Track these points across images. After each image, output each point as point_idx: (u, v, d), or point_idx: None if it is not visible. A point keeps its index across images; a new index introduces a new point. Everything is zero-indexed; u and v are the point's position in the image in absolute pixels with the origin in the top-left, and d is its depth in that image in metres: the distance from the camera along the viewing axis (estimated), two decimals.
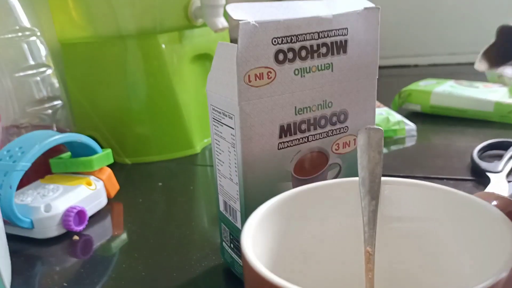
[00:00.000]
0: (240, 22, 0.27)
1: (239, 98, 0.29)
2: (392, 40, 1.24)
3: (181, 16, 0.65)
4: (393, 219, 0.25)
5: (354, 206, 0.25)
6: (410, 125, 0.66)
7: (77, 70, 0.68)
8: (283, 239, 0.24)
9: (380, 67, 1.29)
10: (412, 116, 0.74)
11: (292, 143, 0.32)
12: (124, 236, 0.46)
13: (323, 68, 0.31)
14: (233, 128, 0.30)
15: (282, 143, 0.32)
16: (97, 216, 0.50)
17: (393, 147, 0.64)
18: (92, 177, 0.50)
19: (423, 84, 0.76)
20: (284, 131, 0.31)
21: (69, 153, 0.54)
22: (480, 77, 0.83)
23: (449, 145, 0.62)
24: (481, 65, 0.20)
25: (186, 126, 0.66)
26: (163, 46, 0.64)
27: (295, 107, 0.31)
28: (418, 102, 0.74)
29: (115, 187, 0.53)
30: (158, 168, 0.64)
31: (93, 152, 0.52)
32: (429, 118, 0.73)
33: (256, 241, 0.21)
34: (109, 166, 0.54)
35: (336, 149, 0.34)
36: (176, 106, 0.65)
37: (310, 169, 0.34)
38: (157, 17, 0.64)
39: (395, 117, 0.67)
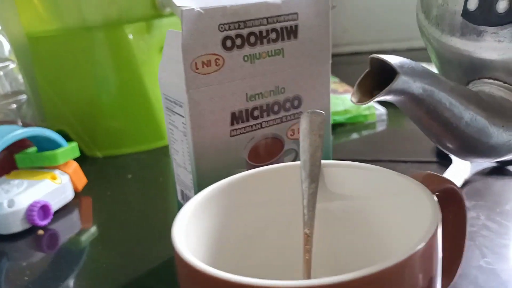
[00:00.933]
0: (182, 9, 0.27)
1: (187, 86, 0.29)
2: (369, 26, 1.24)
3: (148, 5, 0.65)
4: (332, 200, 0.25)
5: (296, 190, 0.25)
6: (381, 110, 0.67)
7: (46, 64, 0.67)
8: (224, 226, 0.24)
9: (357, 53, 1.29)
10: (384, 101, 0.74)
11: (245, 130, 0.32)
12: (90, 229, 0.46)
13: (273, 54, 0.31)
14: (183, 117, 0.30)
15: (235, 130, 0.32)
16: (64, 210, 0.49)
17: (364, 132, 0.64)
18: (57, 171, 0.50)
19: None
20: (236, 118, 0.31)
21: (35, 148, 0.53)
22: None
23: (417, 129, 0.62)
24: (353, 97, 0.20)
25: (157, 117, 0.66)
26: (131, 36, 0.64)
27: (246, 94, 0.31)
28: None
29: (82, 180, 0.53)
30: (130, 160, 0.63)
31: (58, 146, 0.51)
32: None
33: (192, 231, 0.21)
34: (80, 160, 0.54)
35: (291, 135, 0.34)
36: (146, 97, 0.65)
37: (265, 155, 0.34)
38: (123, 7, 0.63)
39: None
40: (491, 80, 0.25)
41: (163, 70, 0.32)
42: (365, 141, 0.62)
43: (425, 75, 0.21)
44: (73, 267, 0.39)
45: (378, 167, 0.24)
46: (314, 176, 0.24)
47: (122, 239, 0.42)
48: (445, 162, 0.48)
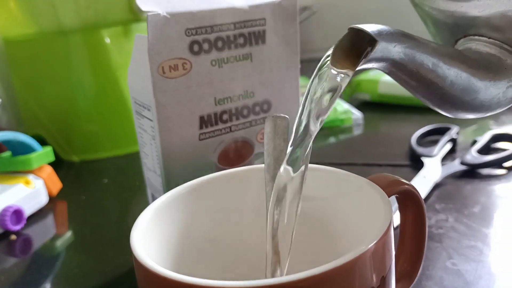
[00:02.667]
0: (148, 13, 0.27)
1: (154, 89, 0.29)
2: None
3: (125, 9, 0.65)
4: None
5: (259, 193, 0.25)
6: (357, 114, 0.67)
7: (22, 68, 0.66)
8: (186, 230, 0.24)
9: None
10: (362, 105, 0.75)
11: (214, 134, 0.32)
12: (64, 234, 0.45)
13: (241, 58, 0.32)
14: (152, 120, 0.30)
15: (204, 134, 0.32)
16: (38, 215, 0.49)
17: (341, 136, 0.65)
18: (31, 176, 0.50)
19: (372, 74, 0.77)
20: (205, 121, 0.32)
21: (9, 152, 0.53)
22: None
23: (393, 133, 0.63)
24: (337, 65, 0.21)
25: (134, 121, 0.66)
26: (108, 41, 0.63)
27: (215, 98, 0.32)
28: (367, 91, 0.75)
29: (56, 185, 0.53)
30: (106, 164, 0.63)
31: (33, 150, 0.51)
32: (378, 106, 0.74)
33: (153, 235, 0.21)
34: (56, 164, 0.53)
35: (261, 139, 0.34)
36: (123, 102, 0.65)
37: (235, 159, 0.34)
38: (99, 11, 0.63)
39: (343, 106, 0.68)
40: (476, 37, 0.25)
41: (132, 74, 0.32)
42: (341, 145, 0.62)
43: (405, 39, 0.21)
44: (47, 273, 0.38)
45: (335, 168, 0.24)
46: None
47: (96, 243, 0.42)
48: (417, 165, 0.48)
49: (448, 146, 0.52)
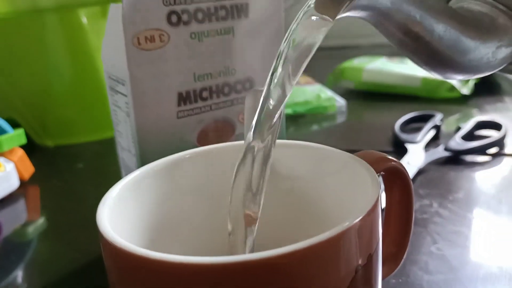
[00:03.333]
0: None
1: (129, 62, 0.27)
2: (335, 22, 1.24)
3: None
4: (276, 179, 0.24)
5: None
6: (340, 102, 0.66)
7: None
8: (160, 209, 0.23)
9: (321, 48, 1.29)
10: (346, 93, 0.74)
11: (193, 112, 0.31)
12: (36, 219, 0.43)
13: (223, 32, 0.30)
14: (126, 96, 0.29)
15: (182, 112, 0.30)
16: (8, 200, 0.47)
17: (324, 124, 0.64)
18: (1, 159, 0.47)
19: (356, 62, 0.76)
20: (183, 98, 0.30)
21: None
22: None
23: (376, 120, 0.62)
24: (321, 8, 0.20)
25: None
26: (85, 21, 0.61)
27: (194, 74, 0.30)
28: (351, 79, 0.74)
29: (28, 169, 0.50)
30: (82, 149, 0.61)
31: (4, 132, 0.49)
32: (361, 94, 0.73)
33: (122, 213, 0.20)
34: (29, 148, 0.51)
35: (243, 119, 0.33)
36: (100, 85, 0.62)
37: (216, 139, 0.32)
38: None
39: (327, 93, 0.67)
40: None
41: (106, 47, 0.30)
42: (324, 132, 0.61)
43: None
44: (16, 259, 0.36)
45: (321, 145, 0.23)
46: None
47: (69, 229, 0.40)
48: (401, 152, 0.47)
49: (432, 132, 0.51)
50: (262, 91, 0.24)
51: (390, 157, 0.21)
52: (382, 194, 0.24)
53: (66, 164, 0.56)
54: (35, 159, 0.54)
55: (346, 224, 0.15)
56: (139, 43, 0.27)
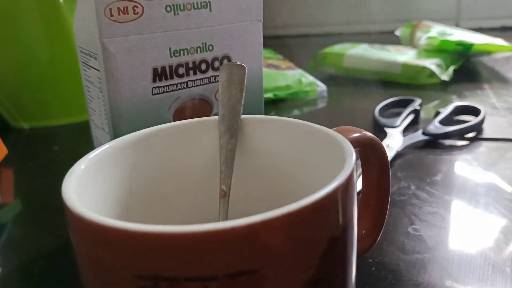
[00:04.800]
0: None
1: (100, 34, 0.26)
2: (318, 9, 1.24)
3: None
4: (252, 156, 0.23)
5: (213, 145, 0.23)
6: (322, 87, 0.66)
7: None
8: (133, 185, 0.22)
9: (304, 35, 1.29)
10: (327, 78, 0.74)
11: (168, 89, 0.30)
12: (9, 202, 0.42)
13: (199, 6, 0.29)
14: (98, 70, 0.28)
15: (157, 88, 0.29)
16: None
17: (305, 109, 0.63)
18: None
19: (337, 47, 0.76)
20: (159, 74, 0.29)
21: None
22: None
23: (357, 105, 0.62)
24: None
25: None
26: (61, 0, 0.59)
27: (170, 48, 0.29)
28: (332, 64, 0.74)
29: (2, 151, 0.49)
30: (58, 132, 0.60)
31: None
32: (342, 80, 0.73)
33: (91, 187, 0.19)
34: (3, 130, 0.50)
35: None
36: (77, 66, 0.61)
37: (193, 117, 0.31)
38: None
39: (308, 78, 0.67)
40: None
41: (78, 19, 0.29)
42: (305, 117, 0.61)
43: None
44: None
45: (298, 120, 0.23)
46: (233, 131, 0.22)
47: (43, 211, 0.39)
48: (380, 136, 0.47)
49: (411, 117, 0.52)
50: (237, 65, 0.23)
51: (366, 132, 0.21)
52: (358, 169, 0.24)
53: (41, 146, 0.55)
54: (10, 142, 0.53)
55: (319, 194, 0.15)
56: (111, 15, 0.26)
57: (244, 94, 0.23)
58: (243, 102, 0.23)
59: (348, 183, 0.16)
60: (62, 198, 0.17)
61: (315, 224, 0.15)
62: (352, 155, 0.18)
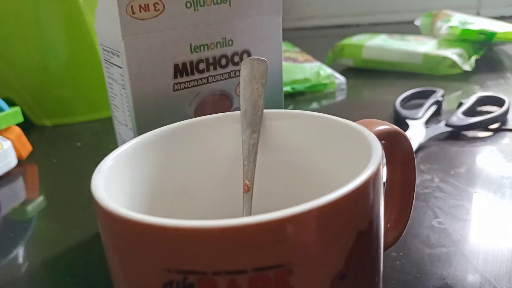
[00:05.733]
0: None
1: (123, 32, 0.26)
2: (335, 0, 1.23)
3: None
4: (275, 151, 0.23)
5: (236, 140, 0.23)
6: (340, 79, 0.65)
7: None
8: (158, 180, 0.22)
9: (321, 27, 1.28)
10: (346, 70, 0.73)
11: (189, 84, 0.30)
12: (35, 197, 0.43)
13: (219, 1, 0.29)
14: (121, 68, 0.28)
15: (178, 84, 0.29)
16: (6, 178, 0.46)
17: (324, 101, 0.63)
18: None
19: (356, 39, 0.75)
20: (180, 70, 0.29)
21: None
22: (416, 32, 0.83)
23: (377, 97, 0.62)
24: None
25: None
26: None
27: (190, 44, 0.29)
28: (350, 56, 0.73)
29: (26, 147, 0.50)
30: (80, 129, 0.61)
31: (0, 111, 0.48)
32: (361, 72, 0.73)
33: (119, 182, 0.19)
34: (27, 128, 0.51)
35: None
36: (98, 63, 0.61)
37: (213, 113, 0.32)
38: None
39: (326, 71, 0.66)
40: None
41: (100, 17, 0.29)
42: (324, 110, 0.61)
43: None
44: (14, 235, 0.36)
45: (322, 114, 0.22)
46: (256, 126, 0.22)
47: (67, 207, 0.40)
48: (402, 128, 0.47)
49: (433, 108, 0.51)
50: (258, 59, 0.23)
51: (391, 125, 0.21)
52: (383, 163, 0.24)
53: (64, 143, 0.56)
54: (33, 139, 0.54)
55: (347, 188, 0.15)
56: (133, 12, 0.26)
57: (265, 88, 0.23)
58: (264, 97, 0.23)
59: (376, 176, 0.16)
60: (91, 194, 0.17)
61: (344, 218, 0.15)
62: (378, 148, 0.17)
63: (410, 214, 0.24)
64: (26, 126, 0.52)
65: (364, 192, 0.15)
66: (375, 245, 0.17)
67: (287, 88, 0.63)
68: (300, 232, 0.14)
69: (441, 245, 0.30)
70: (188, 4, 0.28)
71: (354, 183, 0.15)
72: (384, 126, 0.20)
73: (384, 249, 0.24)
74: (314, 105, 0.63)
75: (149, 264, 0.15)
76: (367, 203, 0.16)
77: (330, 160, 0.22)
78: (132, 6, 0.26)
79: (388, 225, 0.23)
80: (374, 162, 0.16)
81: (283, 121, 0.23)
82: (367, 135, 0.19)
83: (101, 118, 0.63)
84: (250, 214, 0.21)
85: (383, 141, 0.22)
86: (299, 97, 0.64)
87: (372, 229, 0.17)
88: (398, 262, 0.28)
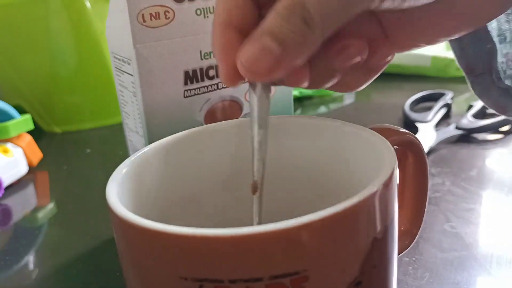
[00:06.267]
0: None
1: (134, 40, 0.27)
2: None
3: None
4: (286, 156, 0.23)
5: (247, 147, 0.23)
6: None
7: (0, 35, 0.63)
8: (170, 186, 0.22)
9: None
10: None
11: (200, 91, 0.30)
12: (46, 204, 0.43)
13: None
14: (132, 75, 0.28)
15: (189, 91, 0.30)
16: (17, 186, 0.47)
17: (332, 105, 0.63)
18: (9, 144, 0.47)
19: None
20: (190, 77, 0.29)
21: None
22: None
23: (385, 101, 0.62)
24: None
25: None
26: (88, 5, 0.60)
27: (201, 51, 0.29)
28: None
29: (37, 154, 0.50)
30: (89, 135, 0.61)
31: (11, 118, 0.49)
32: None
33: (131, 189, 0.19)
34: (37, 135, 0.51)
35: None
36: (106, 70, 0.62)
37: (223, 119, 0.32)
38: None
39: None
40: None
41: (110, 26, 0.30)
42: (333, 114, 0.61)
43: None
44: (26, 242, 0.36)
45: (333, 119, 0.22)
46: (262, 121, 0.21)
47: (78, 214, 0.40)
48: (411, 131, 0.47)
49: (443, 111, 0.51)
50: None
51: (403, 130, 0.21)
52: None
53: (74, 149, 0.56)
54: (43, 146, 0.54)
55: (363, 194, 0.15)
56: (144, 20, 0.27)
57: (272, 90, 0.23)
58: (270, 99, 0.22)
59: (390, 183, 0.16)
60: (106, 202, 0.17)
61: (358, 225, 0.15)
62: (392, 154, 0.17)
63: (423, 219, 0.24)
64: (36, 133, 0.52)
65: (377, 200, 0.15)
66: (390, 251, 0.17)
67: (295, 93, 0.63)
68: (315, 239, 0.14)
69: (454, 249, 0.30)
70: (198, 12, 0.28)
71: (368, 190, 0.15)
72: (397, 131, 0.20)
73: (398, 254, 0.24)
74: (322, 109, 0.63)
75: (166, 272, 0.15)
76: (382, 209, 0.16)
77: (343, 167, 0.22)
78: (143, 15, 0.26)
79: (402, 230, 0.23)
80: (388, 169, 0.16)
81: (294, 126, 0.23)
82: (380, 142, 0.19)
83: (110, 124, 0.63)
84: (261, 218, 0.21)
85: (395, 147, 0.22)
86: (306, 101, 0.64)
87: (387, 235, 0.17)
88: (411, 267, 0.28)
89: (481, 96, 0.26)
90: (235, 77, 0.20)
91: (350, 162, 0.21)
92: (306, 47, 0.17)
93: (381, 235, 0.16)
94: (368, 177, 0.17)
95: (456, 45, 0.26)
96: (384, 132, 0.20)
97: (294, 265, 0.14)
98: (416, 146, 0.21)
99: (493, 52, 0.25)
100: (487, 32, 0.25)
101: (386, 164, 0.17)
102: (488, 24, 0.25)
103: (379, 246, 0.16)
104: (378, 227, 0.16)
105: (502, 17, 0.24)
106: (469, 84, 0.26)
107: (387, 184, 0.16)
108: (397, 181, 0.23)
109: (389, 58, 0.22)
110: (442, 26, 0.20)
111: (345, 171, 0.22)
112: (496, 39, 0.25)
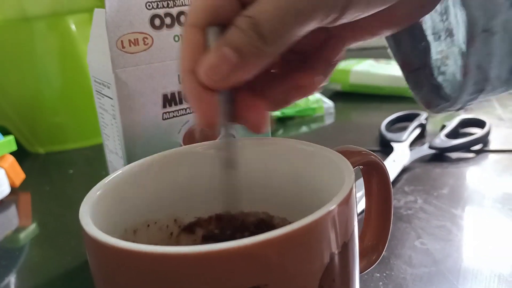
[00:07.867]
0: None
1: (113, 65, 0.28)
2: None
3: None
4: (251, 176, 0.24)
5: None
6: (328, 103, 0.67)
7: None
8: (147, 208, 0.23)
9: None
10: (334, 95, 0.75)
11: (178, 113, 0.31)
12: (28, 225, 0.44)
13: None
14: (112, 98, 0.29)
15: (167, 113, 0.31)
16: (0, 206, 0.47)
17: (313, 125, 0.65)
18: None
19: (343, 64, 0.77)
20: (168, 100, 0.31)
21: None
22: None
23: (363, 121, 0.63)
24: None
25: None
26: (73, 28, 0.62)
27: (179, 76, 0.30)
28: (338, 81, 0.75)
29: (19, 175, 0.51)
30: (73, 156, 0.61)
31: None
32: (349, 96, 0.74)
33: (103, 211, 0.20)
34: (21, 156, 0.52)
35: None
36: (90, 91, 0.63)
37: (202, 140, 0.33)
38: None
39: (314, 96, 0.68)
40: None
41: (91, 51, 0.31)
42: (313, 134, 0.62)
43: None
44: (6, 263, 0.37)
45: (299, 140, 0.24)
46: (233, 164, 0.22)
47: (60, 234, 0.41)
48: (387, 151, 0.48)
49: (417, 131, 0.52)
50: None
51: (367, 151, 0.22)
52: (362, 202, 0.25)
53: (57, 170, 0.57)
54: (26, 166, 0.55)
55: (320, 212, 0.16)
56: (123, 46, 0.28)
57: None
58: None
59: (347, 202, 0.17)
60: (79, 222, 0.18)
61: (317, 241, 0.16)
62: (351, 174, 0.19)
63: (388, 236, 0.25)
64: (20, 153, 0.53)
65: (337, 216, 0.16)
66: (350, 266, 0.18)
67: (277, 113, 0.65)
68: (275, 255, 0.15)
69: (423, 265, 0.31)
70: (176, 38, 0.30)
71: (325, 208, 0.16)
72: (360, 154, 0.22)
73: (365, 270, 0.25)
74: (304, 129, 0.64)
75: None
76: (341, 226, 0.17)
77: (308, 186, 0.23)
78: (122, 41, 0.28)
79: (368, 247, 0.24)
80: (347, 188, 0.17)
81: (261, 148, 0.24)
82: (341, 162, 0.20)
83: (93, 144, 0.64)
84: (236, 193, 0.21)
85: (361, 167, 0.23)
86: (288, 121, 0.66)
87: (347, 251, 0.18)
88: (381, 283, 0.29)
89: (413, 90, 0.28)
90: (213, 119, 0.21)
91: (316, 181, 0.22)
92: (260, 59, 0.19)
93: (340, 250, 0.17)
94: (331, 195, 0.18)
95: (392, 42, 0.27)
96: (349, 153, 0.22)
97: (253, 280, 0.15)
98: (379, 166, 0.22)
99: (427, 49, 0.27)
100: (422, 31, 0.27)
101: (346, 183, 0.18)
102: (423, 23, 0.26)
103: (339, 261, 0.17)
104: (337, 242, 0.17)
105: (437, 17, 0.26)
106: (404, 78, 0.28)
107: (345, 202, 0.17)
108: (364, 199, 0.25)
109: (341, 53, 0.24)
110: (385, 23, 0.22)
111: (311, 190, 0.23)
112: (430, 38, 0.27)
